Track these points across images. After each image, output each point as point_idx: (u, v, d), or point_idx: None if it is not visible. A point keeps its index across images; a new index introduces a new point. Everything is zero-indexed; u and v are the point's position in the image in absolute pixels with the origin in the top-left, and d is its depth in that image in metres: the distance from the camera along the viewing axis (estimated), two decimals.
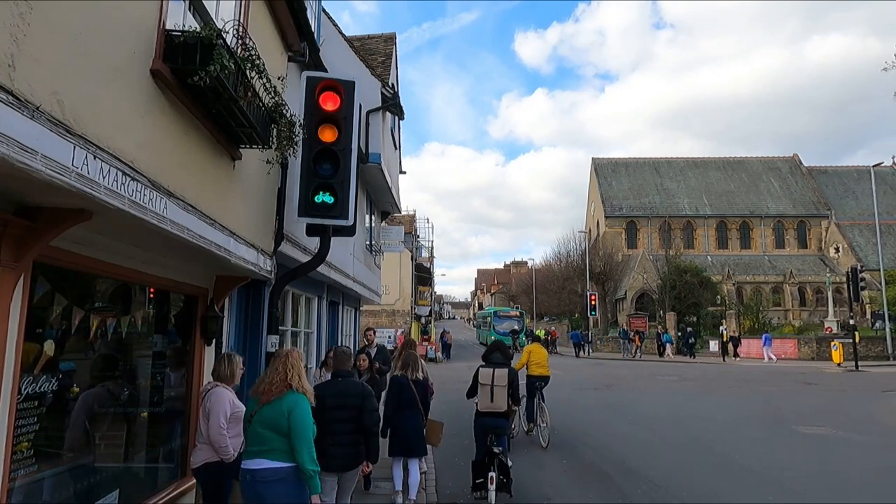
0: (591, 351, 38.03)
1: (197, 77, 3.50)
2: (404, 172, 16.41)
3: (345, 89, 5.77)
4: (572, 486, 7.39)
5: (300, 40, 6.47)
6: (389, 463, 6.60)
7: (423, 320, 40.11)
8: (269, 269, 5.94)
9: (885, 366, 25.77)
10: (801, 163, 63.81)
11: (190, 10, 4.06)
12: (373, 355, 8.27)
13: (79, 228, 3.02)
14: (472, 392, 7.06)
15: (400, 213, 21.23)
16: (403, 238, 19.15)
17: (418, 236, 43.31)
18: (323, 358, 7.51)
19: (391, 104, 10.71)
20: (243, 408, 4.34)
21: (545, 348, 36.32)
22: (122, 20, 3.09)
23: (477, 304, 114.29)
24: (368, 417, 4.77)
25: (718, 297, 44.77)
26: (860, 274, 26.09)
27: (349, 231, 6.64)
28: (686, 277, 42.97)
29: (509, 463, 6.62)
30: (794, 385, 18.87)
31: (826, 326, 34.97)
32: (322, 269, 7.53)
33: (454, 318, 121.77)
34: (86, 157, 2.61)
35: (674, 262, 44.05)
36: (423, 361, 6.91)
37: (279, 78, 4.93)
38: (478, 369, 6.92)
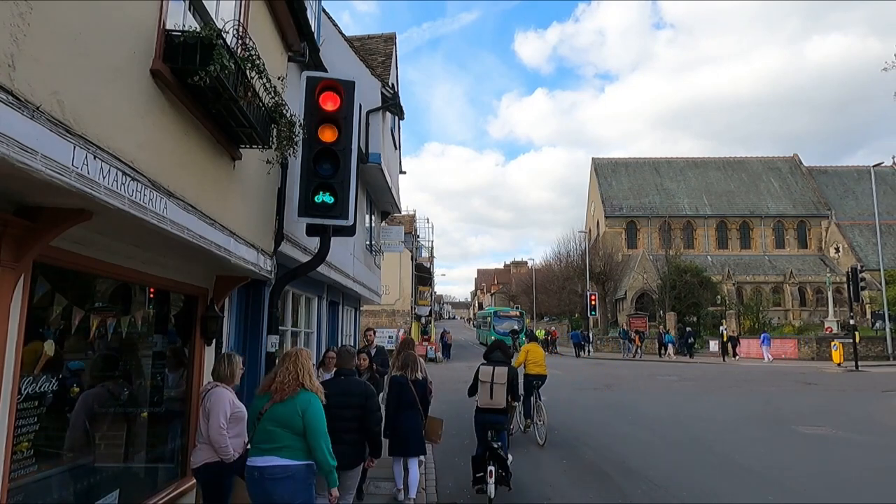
0: (591, 351, 38.07)
1: (197, 77, 3.50)
2: (404, 172, 16.42)
3: (345, 89, 5.77)
4: (572, 486, 7.39)
5: (300, 40, 6.47)
6: (389, 463, 6.64)
7: (423, 320, 40.10)
8: (269, 269, 5.94)
9: (885, 366, 25.78)
10: (801, 163, 63.82)
11: (190, 10, 4.06)
12: (372, 355, 8.28)
13: (79, 228, 3.02)
14: (473, 390, 7.14)
15: (400, 213, 21.23)
16: (403, 238, 19.14)
17: (418, 236, 43.29)
18: (321, 358, 7.51)
19: (391, 104, 10.71)
20: (243, 408, 4.34)
21: (544, 348, 36.25)
22: (122, 20, 3.09)
23: (477, 304, 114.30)
24: (372, 417, 4.82)
25: (718, 297, 44.78)
26: (860, 274, 26.09)
27: (349, 231, 6.64)
28: (686, 277, 42.97)
29: (509, 458, 6.73)
30: (794, 385, 18.87)
31: (826, 326, 34.97)
32: (322, 269, 7.53)
33: (454, 318, 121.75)
34: (86, 157, 2.61)
35: (674, 262, 44.05)
36: (422, 361, 6.93)
37: (279, 78, 4.93)
38: (479, 367, 7.03)
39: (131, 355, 4.41)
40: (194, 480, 4.57)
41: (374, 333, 9.78)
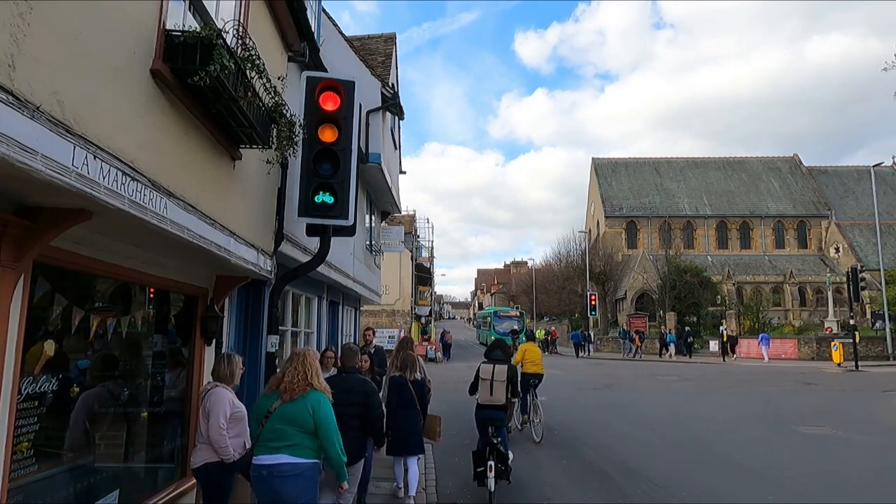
0: (592, 350, 38.09)
1: (197, 77, 3.50)
2: (404, 172, 16.41)
3: (345, 89, 5.77)
4: (572, 486, 7.39)
5: (300, 40, 6.46)
6: (389, 463, 6.70)
7: (423, 320, 40.11)
8: (269, 269, 5.94)
9: (885, 366, 25.78)
10: (801, 163, 63.84)
11: (190, 10, 4.06)
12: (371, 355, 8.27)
13: (79, 228, 3.02)
14: (474, 388, 7.25)
15: (400, 213, 21.22)
16: (403, 238, 19.15)
17: (418, 236, 43.30)
18: (319, 358, 7.50)
19: (391, 104, 10.71)
20: (243, 408, 4.35)
21: (545, 348, 36.15)
22: (122, 20, 3.09)
23: (477, 304, 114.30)
24: (375, 414, 4.97)
25: (718, 297, 44.79)
26: (860, 274, 26.10)
27: (349, 231, 6.64)
28: (686, 277, 42.97)
29: (510, 456, 6.85)
30: (794, 385, 18.88)
31: (826, 326, 34.99)
32: (322, 269, 7.53)
33: (454, 318, 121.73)
34: (86, 157, 2.61)
35: (674, 262, 44.05)
36: (421, 361, 6.98)
37: (279, 78, 4.93)
38: (479, 366, 7.17)
39: (131, 355, 4.41)
40: (194, 480, 4.58)
41: (374, 333, 9.75)
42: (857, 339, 25.54)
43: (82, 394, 3.70)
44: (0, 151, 2.09)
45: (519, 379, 8.04)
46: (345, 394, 4.73)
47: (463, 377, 8.76)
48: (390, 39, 13.57)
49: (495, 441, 6.56)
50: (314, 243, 6.79)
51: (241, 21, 4.79)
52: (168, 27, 3.57)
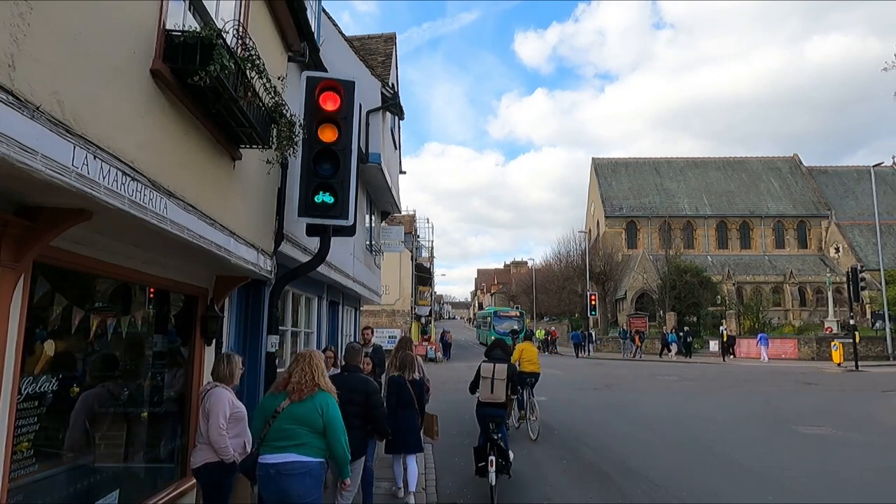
0: (593, 350, 38.10)
1: (197, 77, 3.50)
2: (404, 172, 16.41)
3: (345, 89, 5.77)
4: (572, 486, 7.39)
5: (300, 40, 6.47)
6: (389, 462, 6.73)
7: (423, 320, 40.12)
8: (269, 269, 5.94)
9: (885, 366, 25.79)
10: (801, 163, 63.85)
11: (190, 10, 4.06)
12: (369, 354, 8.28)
13: (79, 228, 3.02)
14: (474, 386, 7.39)
15: (400, 213, 21.23)
16: (403, 238, 19.15)
17: (418, 236, 43.30)
18: None
19: (391, 104, 10.72)
20: (243, 408, 4.35)
21: (545, 348, 36.24)
22: (122, 20, 3.09)
23: (477, 304, 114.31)
24: (377, 412, 5.05)
25: (718, 297, 44.80)
26: (860, 274, 26.10)
27: (349, 231, 6.64)
28: (686, 277, 42.98)
29: (511, 455, 7.01)
30: (794, 385, 18.88)
31: (826, 326, 34.98)
32: (322, 269, 7.53)
33: (454, 318, 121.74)
34: (86, 157, 2.61)
35: (674, 262, 44.07)
36: (420, 361, 7.04)
37: (279, 78, 4.93)
38: (480, 364, 7.31)
39: (131, 355, 4.41)
40: (194, 480, 4.58)
41: (372, 332, 9.81)
42: (857, 339, 25.54)
43: (82, 394, 3.70)
44: (0, 151, 2.09)
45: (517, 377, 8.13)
46: (347, 392, 4.78)
47: (463, 377, 8.77)
48: (390, 39, 13.58)
49: (496, 437, 6.70)
50: (314, 243, 6.79)
51: (241, 21, 4.79)
52: (168, 27, 3.58)
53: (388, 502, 6.55)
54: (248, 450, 4.28)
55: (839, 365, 24.63)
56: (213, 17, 4.27)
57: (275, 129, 4.84)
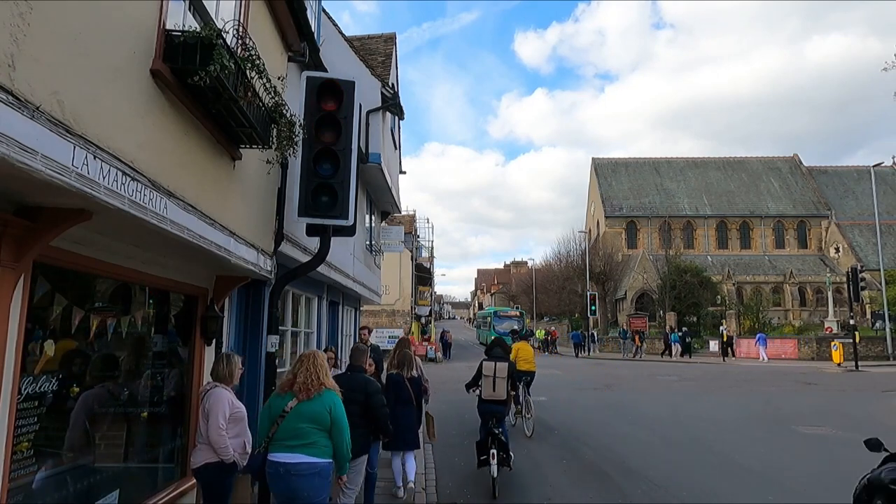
0: (595, 350, 38.11)
1: (197, 77, 3.50)
2: (404, 172, 16.41)
3: (345, 89, 5.77)
4: (572, 486, 7.39)
5: (300, 40, 6.47)
6: (387, 463, 6.78)
7: (423, 320, 40.13)
8: (269, 269, 5.94)
9: (885, 366, 25.79)
10: (801, 163, 63.85)
11: (190, 10, 4.06)
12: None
13: (79, 228, 3.02)
14: (472, 384, 7.72)
15: (400, 213, 21.23)
16: (403, 238, 19.16)
17: (418, 236, 43.33)
18: None
19: (391, 104, 10.71)
20: (243, 408, 4.36)
21: (545, 348, 36.32)
22: (122, 20, 3.09)
23: (477, 304, 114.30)
24: (377, 413, 5.09)
25: (718, 297, 44.80)
26: (860, 274, 26.10)
27: (349, 231, 6.64)
28: (686, 277, 42.99)
29: (511, 456, 7.22)
30: (794, 385, 18.88)
31: (826, 326, 34.98)
32: (322, 269, 7.53)
33: (454, 318, 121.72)
34: (86, 157, 2.61)
35: (674, 262, 44.07)
36: (418, 360, 7.15)
37: (279, 78, 4.93)
38: (481, 363, 7.64)
39: (131, 355, 4.41)
40: (194, 480, 4.58)
41: (369, 332, 9.95)
42: (857, 339, 25.54)
43: (82, 394, 3.70)
44: (0, 151, 2.09)
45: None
46: (348, 392, 4.83)
47: (463, 377, 8.79)
48: (390, 39, 13.57)
49: (497, 431, 6.98)
50: (314, 243, 6.79)
51: (241, 21, 4.78)
52: (168, 27, 3.57)
53: (388, 502, 6.55)
54: (248, 450, 4.30)
55: (839, 365, 24.64)
56: (213, 17, 4.27)
57: (275, 129, 4.84)
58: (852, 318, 27.24)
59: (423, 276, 43.35)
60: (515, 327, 39.41)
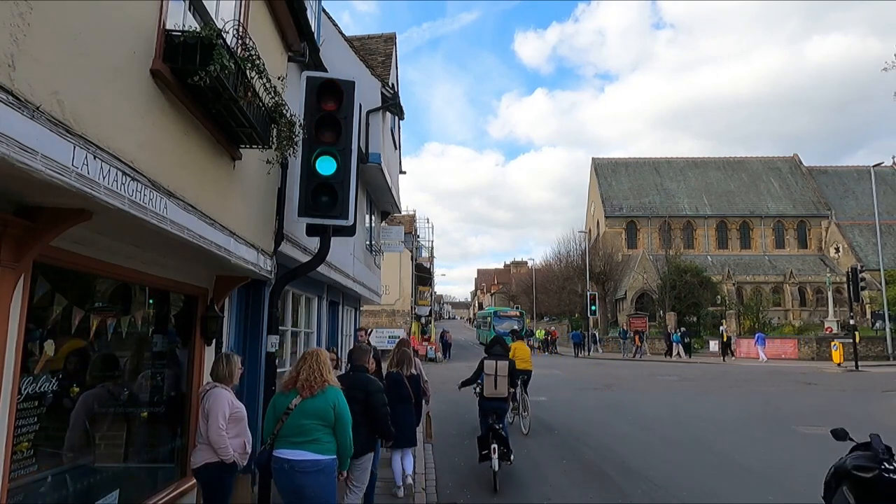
0: (596, 350, 38.11)
1: (197, 77, 3.50)
2: (404, 172, 16.41)
3: (345, 89, 5.77)
4: (572, 486, 7.39)
5: (300, 40, 6.47)
6: (387, 462, 6.79)
7: (423, 320, 40.10)
8: (269, 269, 5.94)
9: (885, 366, 25.78)
10: (801, 163, 63.85)
11: (190, 10, 4.06)
12: None
13: (79, 228, 3.02)
14: (469, 382, 8.01)
15: (400, 213, 21.22)
16: (403, 238, 19.15)
17: (418, 236, 43.31)
18: None
19: (391, 104, 10.71)
20: (243, 408, 4.36)
21: (545, 348, 36.43)
22: (122, 20, 3.09)
23: (477, 304, 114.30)
24: (377, 413, 5.08)
25: (718, 297, 44.80)
26: (860, 274, 26.09)
27: (349, 231, 6.64)
28: (686, 277, 42.98)
29: (511, 457, 7.36)
30: (794, 385, 18.88)
31: (826, 326, 34.98)
32: (322, 269, 7.53)
33: (454, 318, 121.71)
34: (86, 157, 2.61)
35: (674, 262, 44.06)
36: (417, 359, 7.21)
37: (279, 78, 4.93)
38: (482, 361, 7.92)
39: (131, 355, 4.41)
40: (194, 480, 4.58)
41: (366, 333, 10.01)
42: (857, 339, 25.53)
43: (82, 394, 3.70)
44: (0, 151, 2.09)
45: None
46: (349, 390, 4.83)
47: (463, 377, 8.80)
48: (390, 39, 13.58)
49: (498, 427, 7.22)
50: (314, 243, 6.79)
51: (241, 21, 4.79)
52: (168, 27, 3.57)
53: (388, 502, 6.56)
54: (248, 450, 4.31)
55: (839, 365, 24.63)
56: (213, 17, 4.27)
57: (275, 129, 4.84)
58: (852, 318, 27.24)
59: (423, 276, 43.34)
60: (515, 327, 39.42)
